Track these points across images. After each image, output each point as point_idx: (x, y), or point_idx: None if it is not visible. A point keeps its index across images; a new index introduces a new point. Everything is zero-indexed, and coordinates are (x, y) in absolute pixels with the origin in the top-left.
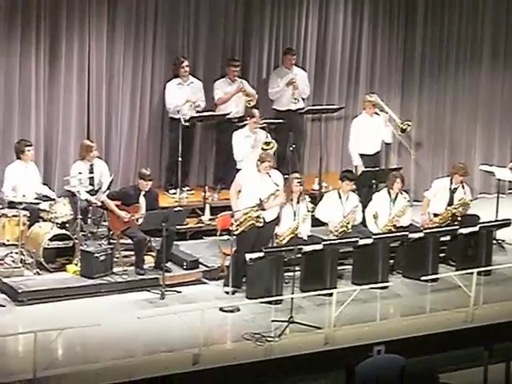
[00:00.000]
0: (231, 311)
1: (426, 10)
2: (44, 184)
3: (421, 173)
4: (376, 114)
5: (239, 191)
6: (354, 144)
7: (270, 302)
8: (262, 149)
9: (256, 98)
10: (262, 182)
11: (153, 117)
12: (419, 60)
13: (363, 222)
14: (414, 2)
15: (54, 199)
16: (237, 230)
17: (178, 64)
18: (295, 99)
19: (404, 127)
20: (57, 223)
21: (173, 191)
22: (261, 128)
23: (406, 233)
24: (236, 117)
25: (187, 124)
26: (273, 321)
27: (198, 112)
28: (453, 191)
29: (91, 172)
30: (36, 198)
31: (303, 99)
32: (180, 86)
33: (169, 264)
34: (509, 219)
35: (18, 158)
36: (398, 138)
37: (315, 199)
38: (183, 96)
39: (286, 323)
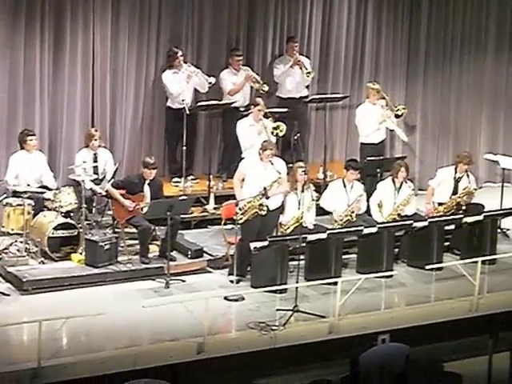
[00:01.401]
0: (236, 300)
1: (430, 2)
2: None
3: (425, 162)
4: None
5: (243, 180)
6: (364, 131)
7: (274, 291)
8: (272, 133)
9: (263, 84)
10: (265, 170)
11: (157, 106)
12: (424, 51)
13: (368, 211)
14: None
15: (57, 189)
16: (241, 219)
17: (173, 55)
18: (308, 73)
19: (399, 113)
20: (61, 212)
21: (177, 180)
22: (264, 117)
23: (411, 222)
24: (242, 105)
25: (190, 112)
26: (277, 310)
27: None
28: (457, 180)
29: (95, 161)
30: (40, 187)
31: (306, 87)
32: (175, 75)
33: (173, 253)
34: None
35: (22, 147)
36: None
37: (320, 188)
38: (183, 83)
39: (291, 312)
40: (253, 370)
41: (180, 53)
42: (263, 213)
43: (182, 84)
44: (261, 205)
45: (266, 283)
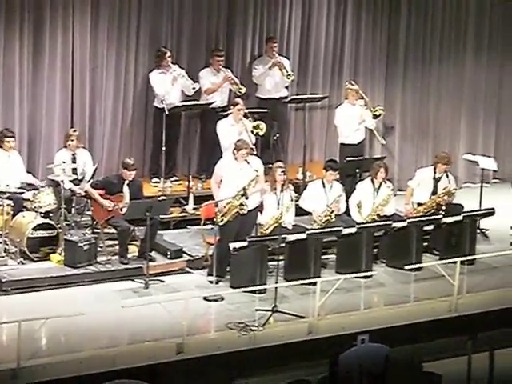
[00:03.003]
0: (215, 300)
1: (409, 4)
2: (28, 172)
3: (405, 162)
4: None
5: (220, 181)
6: (344, 132)
7: (253, 291)
8: (252, 132)
9: (241, 86)
10: (241, 169)
11: (136, 106)
12: (403, 51)
13: (347, 212)
14: None
15: (37, 188)
16: (221, 220)
17: (161, 55)
18: (288, 75)
19: (377, 113)
20: (40, 212)
21: (156, 180)
22: (244, 117)
23: (390, 222)
24: (220, 106)
25: (169, 113)
26: (257, 310)
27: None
28: (437, 180)
29: (74, 161)
30: (20, 188)
31: (286, 87)
32: (162, 76)
33: (153, 253)
34: (492, 208)
35: (0, 147)
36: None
37: (299, 188)
38: (168, 84)
39: (270, 312)
40: (232, 371)
41: (168, 53)
42: (244, 212)
43: (168, 85)
44: (241, 204)
45: (246, 283)
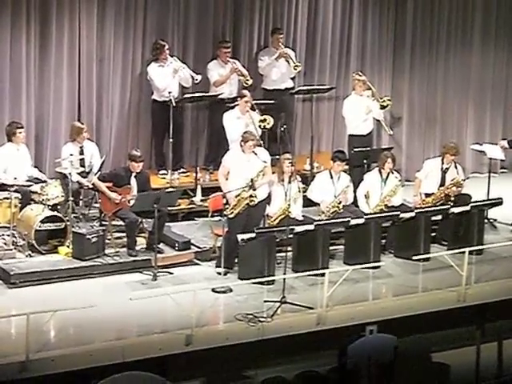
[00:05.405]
0: (223, 292)
1: None
2: (35, 167)
3: (412, 153)
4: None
5: (228, 173)
6: (352, 123)
7: (262, 283)
8: (259, 126)
9: (248, 78)
10: (249, 161)
11: (143, 99)
12: (410, 40)
13: (355, 202)
14: None
15: (45, 181)
16: (231, 213)
17: (160, 48)
18: (295, 66)
19: (384, 104)
20: (48, 205)
21: (164, 172)
22: (251, 109)
23: (398, 212)
24: (229, 97)
25: (176, 104)
26: (265, 301)
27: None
28: (444, 171)
29: (81, 154)
30: (27, 181)
31: (292, 79)
32: (161, 68)
33: (161, 245)
34: (500, 198)
35: (10, 140)
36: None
37: (307, 179)
38: (168, 77)
39: (279, 303)
40: (241, 362)
41: (166, 46)
42: (254, 203)
43: (168, 78)
44: (251, 196)
45: (254, 275)
